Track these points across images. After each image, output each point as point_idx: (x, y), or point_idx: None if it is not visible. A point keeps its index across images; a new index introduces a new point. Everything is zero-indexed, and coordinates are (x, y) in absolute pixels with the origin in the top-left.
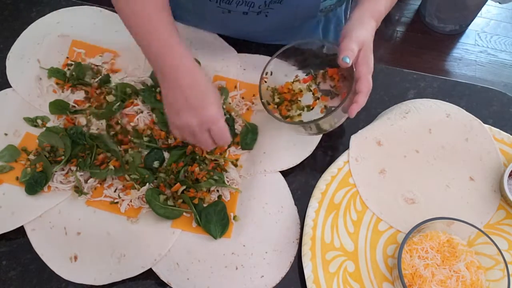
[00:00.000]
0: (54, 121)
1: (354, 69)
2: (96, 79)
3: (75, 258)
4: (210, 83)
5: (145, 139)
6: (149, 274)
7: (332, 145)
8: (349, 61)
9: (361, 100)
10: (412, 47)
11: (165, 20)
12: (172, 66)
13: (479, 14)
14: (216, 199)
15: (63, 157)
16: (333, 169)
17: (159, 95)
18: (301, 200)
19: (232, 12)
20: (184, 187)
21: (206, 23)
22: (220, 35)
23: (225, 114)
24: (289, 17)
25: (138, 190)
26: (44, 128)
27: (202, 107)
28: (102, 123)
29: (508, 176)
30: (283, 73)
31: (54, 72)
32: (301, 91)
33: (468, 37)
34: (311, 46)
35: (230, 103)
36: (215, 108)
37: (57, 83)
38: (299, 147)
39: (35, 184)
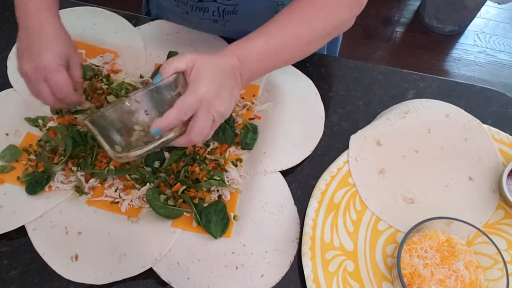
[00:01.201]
0: (55, 121)
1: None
2: (97, 80)
3: (76, 257)
4: (60, 36)
5: None
6: (150, 273)
7: (332, 145)
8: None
9: (169, 114)
10: (411, 47)
11: None
12: (28, 10)
13: (478, 15)
14: (216, 199)
15: (63, 157)
16: (332, 169)
17: None
18: (301, 200)
19: (190, 14)
20: (185, 187)
21: (179, 21)
22: (220, 35)
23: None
24: (247, 26)
25: (139, 190)
26: (45, 128)
27: (40, 52)
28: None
29: (507, 176)
30: (283, 72)
31: None
32: None
33: (467, 37)
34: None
35: None
36: (52, 56)
37: None
38: (299, 147)
39: (36, 184)
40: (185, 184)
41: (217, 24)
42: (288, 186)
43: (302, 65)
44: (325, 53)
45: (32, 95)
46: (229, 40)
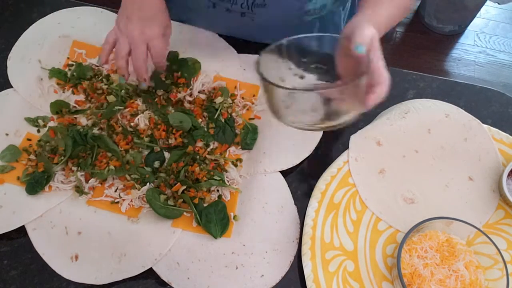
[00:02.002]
0: (55, 121)
1: (369, 60)
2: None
3: (76, 257)
4: (166, 10)
5: (146, 139)
6: (150, 273)
7: (332, 145)
8: (363, 50)
9: (379, 90)
10: (411, 47)
11: None
12: None
13: (478, 15)
14: (216, 199)
15: (63, 157)
16: (332, 169)
17: (159, 97)
18: (301, 200)
19: (217, 6)
20: (185, 187)
21: (197, 17)
22: (221, 35)
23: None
24: (276, 21)
25: (139, 190)
26: (45, 128)
27: (151, 22)
28: (102, 123)
29: (507, 176)
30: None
31: (55, 73)
32: None
33: (467, 37)
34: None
35: (230, 103)
36: (161, 30)
37: (58, 84)
38: (299, 147)
39: (36, 184)
40: (185, 184)
41: (244, 18)
42: (288, 186)
43: None
44: None
45: (118, 60)
46: (230, 40)
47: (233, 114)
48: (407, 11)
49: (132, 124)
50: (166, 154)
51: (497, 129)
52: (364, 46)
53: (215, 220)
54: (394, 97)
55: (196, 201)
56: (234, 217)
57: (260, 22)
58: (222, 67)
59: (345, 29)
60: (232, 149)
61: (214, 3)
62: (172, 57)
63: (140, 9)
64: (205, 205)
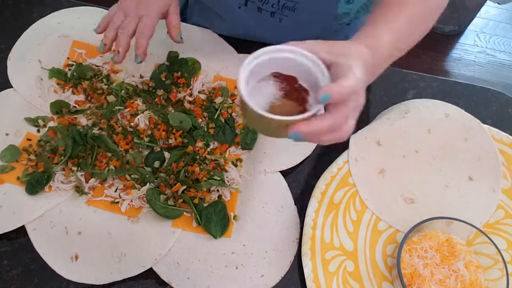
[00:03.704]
0: (55, 121)
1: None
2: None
3: (76, 257)
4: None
5: (146, 139)
6: (150, 273)
7: (332, 145)
8: (327, 100)
9: (331, 137)
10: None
11: None
12: None
13: (478, 15)
14: (216, 199)
15: (64, 157)
16: (332, 169)
17: (159, 97)
18: (301, 200)
19: (249, 3)
20: (185, 187)
21: (221, 20)
22: (220, 35)
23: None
24: (303, 25)
25: (139, 190)
26: (45, 128)
27: (148, 2)
28: (102, 123)
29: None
30: None
31: (55, 73)
32: None
33: (467, 37)
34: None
35: (230, 103)
36: (159, 8)
37: (58, 84)
38: (299, 147)
39: (36, 184)
40: (185, 184)
41: (273, 19)
42: (288, 186)
43: None
44: None
45: (108, 31)
46: (230, 40)
47: (233, 114)
48: (431, 19)
49: (132, 124)
50: (166, 154)
51: (497, 129)
52: (329, 96)
53: (215, 220)
54: (394, 97)
55: (196, 201)
56: (234, 217)
57: (287, 24)
58: (222, 67)
59: (333, 50)
60: (232, 149)
61: (247, 1)
62: (172, 57)
63: None
64: (205, 205)
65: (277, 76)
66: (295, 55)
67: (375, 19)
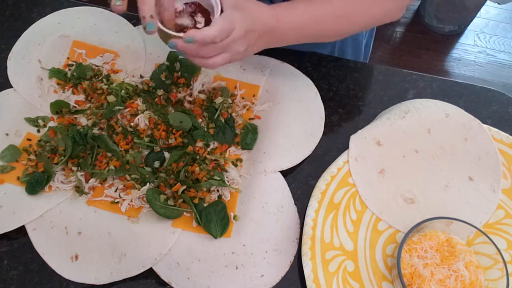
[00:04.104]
0: (55, 121)
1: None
2: (97, 80)
3: (76, 257)
4: None
5: (146, 139)
6: (150, 273)
7: (332, 145)
8: (191, 41)
9: (188, 33)
10: (411, 47)
11: None
12: None
13: (478, 15)
14: (216, 199)
15: (64, 157)
16: (332, 169)
17: (159, 97)
18: (301, 200)
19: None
20: (185, 187)
21: None
22: None
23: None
24: None
25: (139, 190)
26: (45, 128)
27: None
28: (102, 123)
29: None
30: (283, 72)
31: (55, 73)
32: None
33: (467, 37)
34: None
35: (230, 103)
36: None
37: (58, 84)
38: (299, 147)
39: (36, 184)
40: (185, 184)
41: None
42: (288, 186)
43: (302, 65)
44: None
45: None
46: None
47: (233, 114)
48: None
49: (132, 124)
50: (166, 154)
51: (497, 129)
52: (192, 39)
53: (215, 220)
54: (394, 97)
55: (196, 201)
56: (234, 217)
57: None
58: (222, 67)
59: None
60: (232, 149)
61: None
62: (172, 57)
63: None
64: (205, 205)
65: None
66: None
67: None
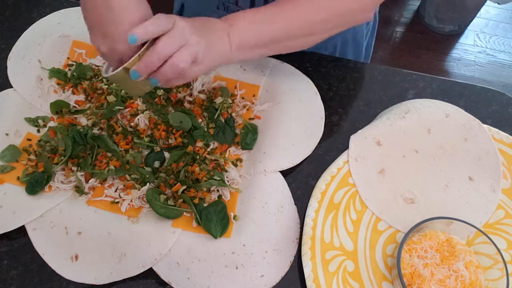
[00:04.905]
0: (55, 121)
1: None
2: (97, 80)
3: (76, 257)
4: (134, 3)
5: (146, 139)
6: (150, 273)
7: (332, 145)
8: (134, 40)
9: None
10: (411, 47)
11: None
12: None
13: (478, 15)
14: (216, 199)
15: (64, 157)
16: (332, 169)
17: (159, 97)
18: (301, 200)
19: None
20: (185, 187)
21: None
22: None
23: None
24: None
25: (139, 190)
26: (45, 128)
27: (113, 37)
28: (102, 123)
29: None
30: (283, 72)
31: (55, 73)
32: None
33: (467, 37)
34: None
35: (230, 103)
36: (127, 44)
37: (58, 84)
38: (299, 147)
39: (36, 184)
40: (185, 184)
41: None
42: (288, 186)
43: (302, 65)
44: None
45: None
46: None
47: (233, 114)
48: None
49: (132, 124)
50: (166, 154)
51: (497, 129)
52: (135, 37)
53: (215, 220)
54: (394, 97)
55: (196, 201)
56: (234, 217)
57: None
58: (222, 67)
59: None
60: (232, 149)
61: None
62: None
63: (99, 19)
64: (205, 205)
65: None
66: None
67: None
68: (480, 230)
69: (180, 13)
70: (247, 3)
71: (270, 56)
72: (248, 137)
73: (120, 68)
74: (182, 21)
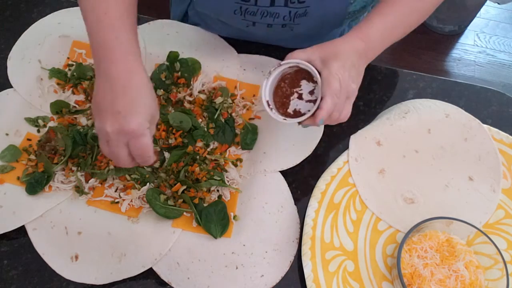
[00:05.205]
0: (55, 121)
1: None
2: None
3: (76, 257)
4: (149, 92)
5: None
6: (150, 273)
7: (332, 145)
8: (322, 122)
9: (316, 117)
10: (411, 47)
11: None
12: (114, 54)
13: (478, 15)
14: (216, 199)
15: (64, 157)
16: (332, 169)
17: (159, 97)
18: (301, 200)
19: (257, 24)
20: (185, 187)
21: (232, 31)
22: (221, 36)
23: (228, 114)
24: (315, 28)
25: (139, 190)
26: (45, 128)
27: (126, 115)
28: None
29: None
30: None
31: (55, 73)
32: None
33: (467, 37)
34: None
35: (230, 103)
36: (140, 120)
37: (58, 84)
38: (299, 147)
39: (36, 184)
40: (185, 184)
41: (284, 29)
42: (288, 186)
43: None
44: None
45: (103, 153)
46: (230, 40)
47: (233, 114)
48: (420, 15)
49: None
50: (166, 154)
51: (497, 129)
52: (322, 120)
53: (215, 220)
54: (394, 97)
55: (196, 201)
56: (234, 217)
57: (298, 30)
58: (222, 67)
59: (325, 54)
60: (232, 149)
61: (254, 22)
62: (172, 57)
63: (114, 100)
64: (205, 205)
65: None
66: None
67: (370, 13)
68: (480, 230)
69: (182, 20)
70: (267, 1)
71: (270, 56)
72: (248, 137)
73: (293, 120)
74: (344, 76)
